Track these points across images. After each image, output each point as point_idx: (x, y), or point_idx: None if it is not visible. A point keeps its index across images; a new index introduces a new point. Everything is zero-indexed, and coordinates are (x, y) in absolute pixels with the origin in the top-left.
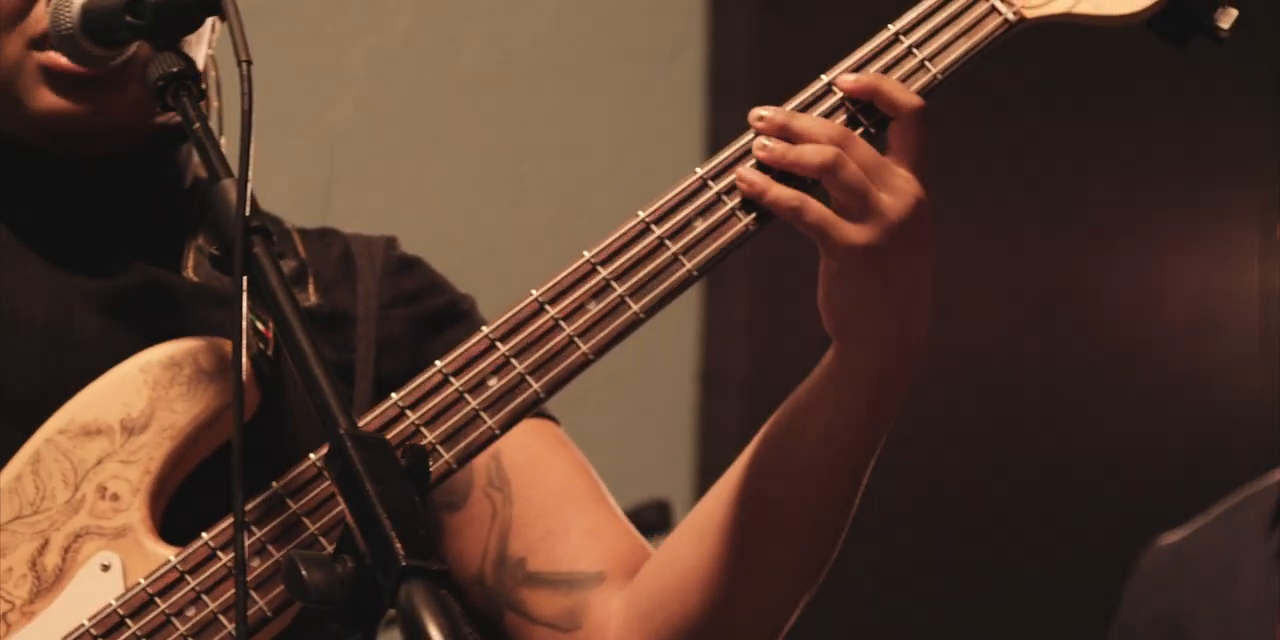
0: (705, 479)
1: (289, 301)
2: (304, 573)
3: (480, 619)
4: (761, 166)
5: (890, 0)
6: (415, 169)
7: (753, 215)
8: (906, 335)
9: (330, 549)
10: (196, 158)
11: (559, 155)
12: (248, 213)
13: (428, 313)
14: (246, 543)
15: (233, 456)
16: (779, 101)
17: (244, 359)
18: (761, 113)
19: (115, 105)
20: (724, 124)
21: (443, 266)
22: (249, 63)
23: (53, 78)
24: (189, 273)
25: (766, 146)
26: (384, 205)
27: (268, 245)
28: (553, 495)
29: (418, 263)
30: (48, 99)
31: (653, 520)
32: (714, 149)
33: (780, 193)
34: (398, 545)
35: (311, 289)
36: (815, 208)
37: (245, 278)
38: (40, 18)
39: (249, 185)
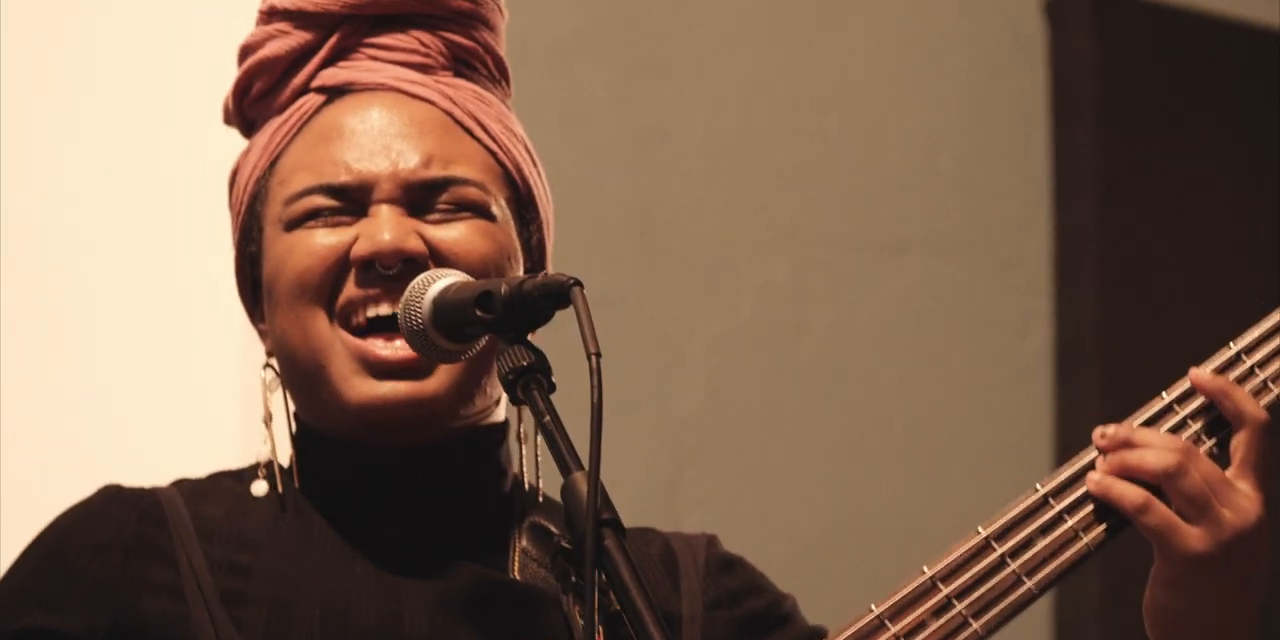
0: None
1: (641, 595)
2: None
3: None
4: None
5: (1226, 290)
6: (761, 455)
7: (1094, 533)
8: None
9: None
10: (515, 457)
11: (905, 437)
12: (599, 504)
13: (751, 614)
14: None
15: None
16: (1125, 379)
17: None
18: (1105, 430)
19: (432, 392)
20: (1071, 401)
21: (781, 554)
22: (598, 355)
23: (369, 365)
24: (514, 573)
25: (1107, 434)
26: (730, 492)
27: (619, 538)
28: None
29: (739, 562)
30: (364, 387)
31: None
32: (1063, 428)
33: (1126, 489)
34: None
35: None
36: (1160, 509)
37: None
38: (345, 293)
39: (599, 477)
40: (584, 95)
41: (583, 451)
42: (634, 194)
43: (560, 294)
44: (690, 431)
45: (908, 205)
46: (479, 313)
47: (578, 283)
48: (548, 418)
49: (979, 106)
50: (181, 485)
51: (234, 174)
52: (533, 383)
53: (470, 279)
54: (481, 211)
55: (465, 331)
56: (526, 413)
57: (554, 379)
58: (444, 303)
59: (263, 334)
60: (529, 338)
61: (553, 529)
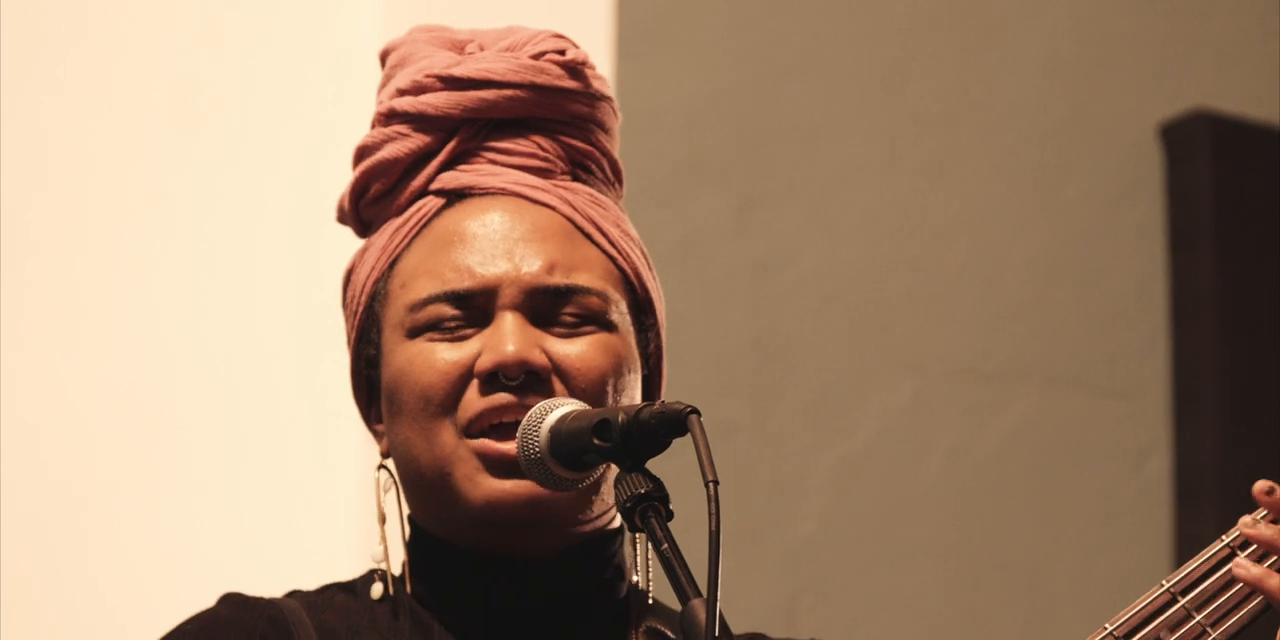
0: None
1: None
2: None
3: None
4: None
5: None
6: (881, 581)
7: (1220, 630)
8: None
9: None
10: (628, 562)
11: (1026, 562)
12: (717, 632)
13: None
14: None
15: None
16: (1244, 507)
17: None
18: (1269, 485)
19: (552, 494)
20: (1191, 529)
21: None
22: (716, 483)
23: (491, 463)
24: None
25: (1256, 526)
26: (848, 619)
27: None
28: None
29: None
30: (488, 484)
31: None
32: (1182, 557)
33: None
34: None
35: None
36: None
37: None
38: (470, 404)
39: (717, 604)
40: (700, 224)
41: (700, 579)
42: (751, 322)
43: (678, 422)
44: (808, 559)
45: (1026, 333)
46: (597, 442)
47: (695, 411)
48: (665, 546)
49: (1096, 234)
50: (297, 596)
51: (349, 274)
52: (650, 510)
53: (586, 407)
54: (603, 323)
55: (583, 460)
56: None
57: (672, 507)
58: (561, 432)
59: (378, 435)
60: (646, 465)
61: (669, 634)
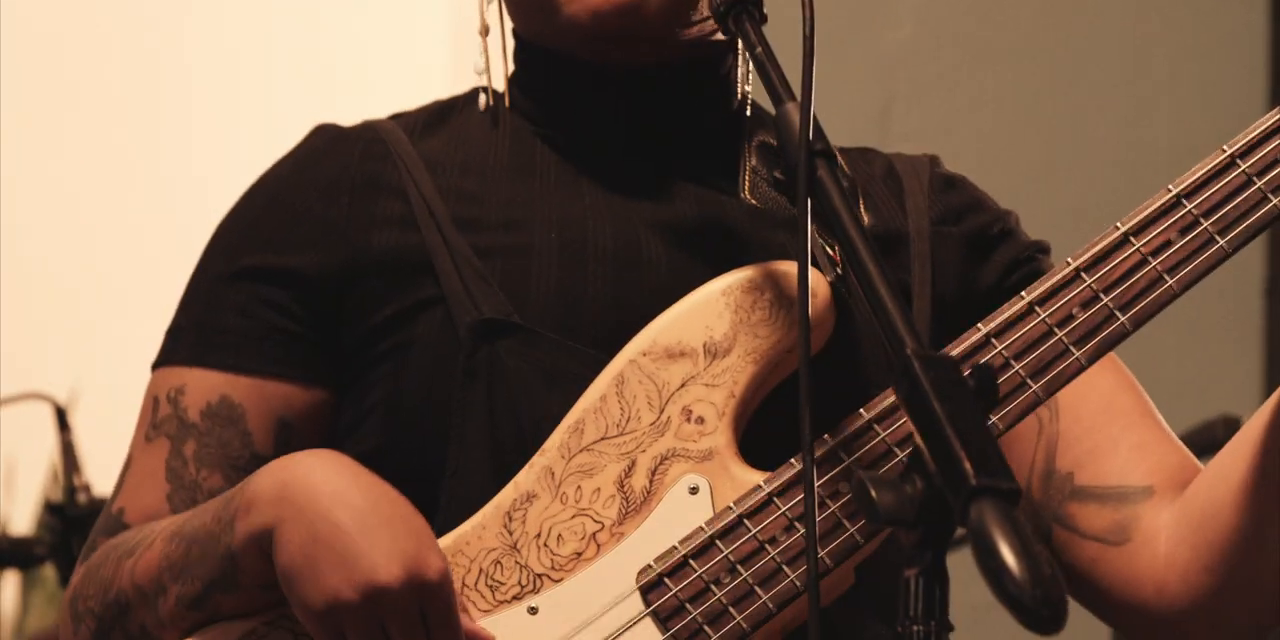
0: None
1: (854, 224)
2: (874, 494)
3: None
4: None
5: None
6: (974, 86)
7: (1228, 237)
8: None
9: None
10: (742, 76)
11: (1119, 68)
12: (810, 136)
13: (976, 230)
14: (836, 470)
15: (800, 385)
16: None
17: (825, 284)
18: None
19: (644, 5)
20: None
21: (993, 186)
22: None
23: None
24: (745, 195)
25: None
26: (942, 124)
27: (831, 169)
28: (1099, 411)
29: (962, 180)
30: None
31: (1220, 436)
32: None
33: None
34: (967, 465)
35: (863, 208)
36: None
37: (810, 202)
38: None
39: (811, 108)
40: None
41: (795, 84)
42: None
43: None
44: (902, 64)
45: None
46: None
47: None
48: (760, 49)
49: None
50: (398, 118)
51: None
52: (744, 13)
53: None
54: None
55: None
56: None
57: (766, 11)
58: None
59: None
60: None
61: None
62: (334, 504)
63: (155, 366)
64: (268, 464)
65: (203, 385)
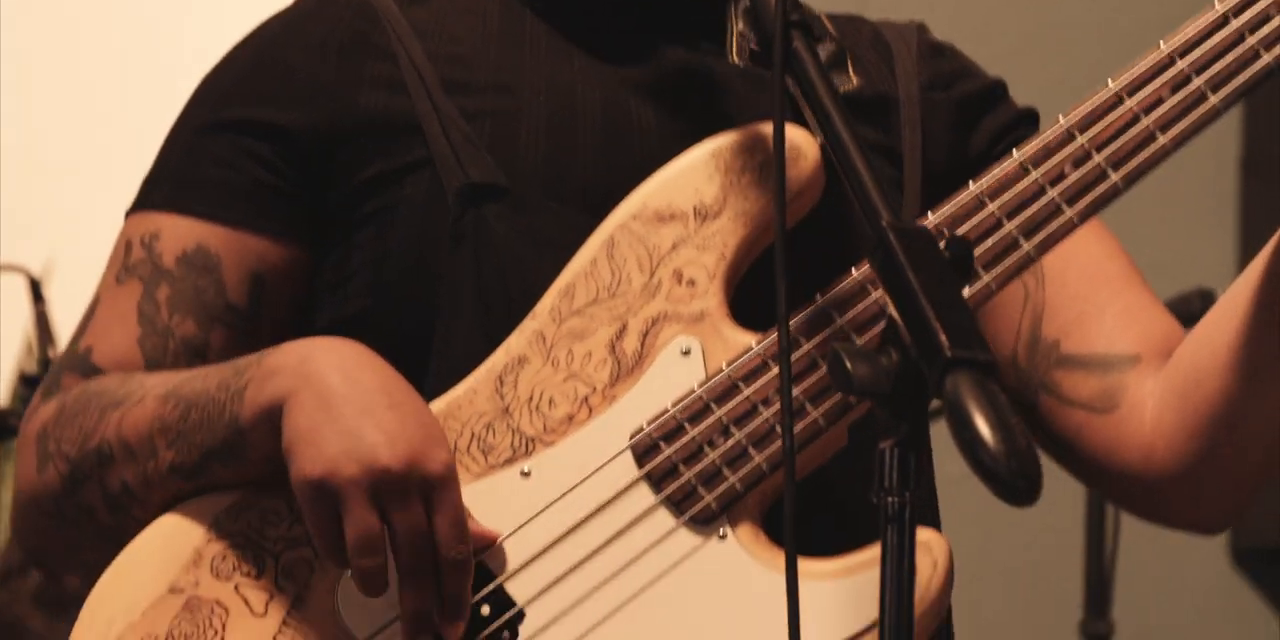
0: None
1: (830, 96)
2: (849, 365)
3: (1013, 402)
4: None
5: None
6: None
7: (1220, 94)
8: None
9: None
10: None
11: None
12: (787, 7)
13: (966, 96)
14: (828, 330)
15: (775, 248)
16: None
17: (814, 146)
18: None
19: None
20: None
21: (978, 56)
22: None
23: None
24: (733, 58)
25: None
26: None
27: (807, 40)
28: (1086, 278)
29: (950, 48)
30: None
31: (1196, 309)
32: None
33: None
34: (942, 336)
35: (851, 71)
36: None
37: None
38: None
39: None
40: None
41: None
42: None
43: None
44: None
45: None
46: None
47: None
48: None
49: None
50: None
51: None
52: None
53: None
54: None
55: None
56: None
57: None
58: None
59: None
60: None
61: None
62: (348, 383)
63: (129, 212)
64: (287, 342)
65: (179, 231)
